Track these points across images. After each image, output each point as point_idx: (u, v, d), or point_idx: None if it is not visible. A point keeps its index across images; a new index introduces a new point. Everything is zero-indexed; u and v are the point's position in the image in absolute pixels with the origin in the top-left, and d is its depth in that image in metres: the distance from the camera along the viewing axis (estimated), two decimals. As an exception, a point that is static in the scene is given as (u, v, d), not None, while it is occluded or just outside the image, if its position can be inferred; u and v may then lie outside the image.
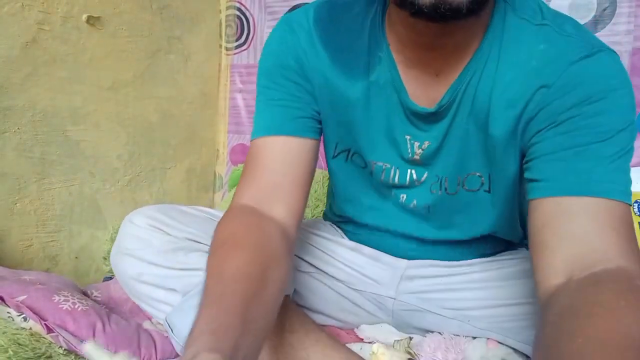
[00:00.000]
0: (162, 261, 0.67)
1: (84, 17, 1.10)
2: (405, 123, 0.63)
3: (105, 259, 1.18)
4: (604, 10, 1.15)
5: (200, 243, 0.69)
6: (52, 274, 0.94)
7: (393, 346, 0.70)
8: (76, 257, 1.13)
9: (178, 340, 0.64)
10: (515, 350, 0.67)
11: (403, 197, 0.69)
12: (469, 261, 0.75)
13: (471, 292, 0.72)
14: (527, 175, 0.56)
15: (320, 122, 0.67)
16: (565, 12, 1.18)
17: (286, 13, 0.66)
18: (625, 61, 1.14)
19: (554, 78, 0.54)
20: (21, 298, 0.67)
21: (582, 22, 1.17)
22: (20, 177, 1.00)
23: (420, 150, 0.64)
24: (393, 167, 0.67)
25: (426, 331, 0.75)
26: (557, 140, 0.53)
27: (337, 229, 0.85)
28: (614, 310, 0.41)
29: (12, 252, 0.99)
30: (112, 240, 1.18)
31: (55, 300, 0.69)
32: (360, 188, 0.73)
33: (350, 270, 0.79)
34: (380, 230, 0.76)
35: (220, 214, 0.77)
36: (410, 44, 0.58)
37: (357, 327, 0.82)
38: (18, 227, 1.00)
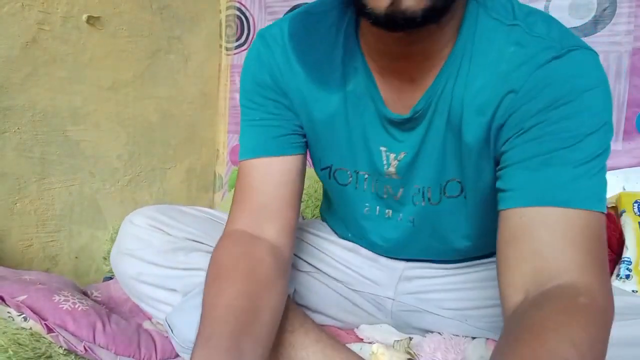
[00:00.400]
0: (162, 261, 0.67)
1: (84, 17, 1.09)
2: (381, 133, 0.62)
3: (105, 259, 1.18)
4: (604, 10, 1.15)
5: (201, 243, 0.69)
6: (52, 274, 0.94)
7: (393, 346, 0.70)
8: (76, 257, 1.13)
9: (178, 340, 0.64)
10: None
11: (389, 212, 0.69)
12: (467, 263, 0.75)
13: (469, 292, 0.72)
14: (497, 185, 0.54)
15: (304, 136, 0.66)
16: (565, 12, 1.18)
17: (261, 29, 0.65)
18: (625, 61, 1.14)
19: (522, 82, 0.52)
20: (21, 298, 0.67)
21: (582, 22, 1.17)
22: (20, 177, 1.00)
23: (395, 162, 0.62)
24: (373, 179, 0.66)
25: (426, 331, 0.75)
26: (525, 148, 0.51)
27: (332, 229, 0.86)
28: (539, 336, 0.41)
29: (12, 252, 0.99)
30: (112, 240, 1.18)
31: (56, 300, 0.69)
32: (344, 202, 0.73)
33: (349, 271, 0.79)
34: (369, 242, 0.76)
35: (220, 214, 0.77)
36: (381, 52, 0.57)
37: (357, 327, 0.82)
38: (18, 227, 1.00)
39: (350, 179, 0.67)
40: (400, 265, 0.77)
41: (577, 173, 0.49)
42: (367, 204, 0.69)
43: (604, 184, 0.50)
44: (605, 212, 0.50)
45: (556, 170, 0.49)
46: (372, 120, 0.61)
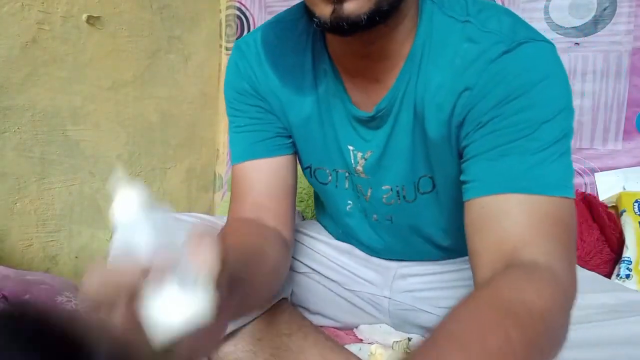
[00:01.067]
0: None
1: (84, 17, 1.10)
2: (349, 132, 0.63)
3: (105, 259, 1.18)
4: (604, 10, 1.15)
5: None
6: (54, 275, 0.94)
7: (392, 347, 0.70)
8: (76, 257, 1.13)
9: None
10: None
11: (365, 212, 0.71)
12: (459, 259, 0.75)
13: (464, 289, 0.73)
14: (461, 178, 0.55)
15: (289, 137, 0.68)
16: (565, 12, 1.18)
17: (237, 40, 0.69)
18: (625, 61, 1.14)
19: (475, 79, 0.53)
20: (24, 297, 0.68)
21: (582, 22, 1.17)
22: (20, 177, 1.00)
23: (362, 161, 0.63)
24: (351, 178, 0.67)
25: (425, 329, 0.75)
26: (483, 142, 0.52)
27: (326, 229, 0.87)
28: (493, 291, 0.42)
29: (12, 252, 0.99)
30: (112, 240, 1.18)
31: (58, 301, 0.69)
32: (327, 200, 0.75)
33: (344, 272, 0.79)
34: (358, 241, 0.77)
35: (216, 220, 0.77)
36: (346, 54, 0.58)
37: (356, 328, 0.82)
38: (18, 227, 1.00)
39: (330, 177, 0.69)
40: (394, 264, 0.78)
41: (536, 160, 0.49)
42: (349, 201, 0.71)
43: (567, 168, 0.51)
44: (573, 196, 0.50)
45: (515, 159, 0.50)
46: (342, 120, 0.63)
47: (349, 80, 0.60)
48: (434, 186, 0.63)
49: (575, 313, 0.55)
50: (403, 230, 0.70)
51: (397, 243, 0.72)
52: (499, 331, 0.37)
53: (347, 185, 0.68)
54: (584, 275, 0.65)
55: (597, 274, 0.68)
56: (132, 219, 0.34)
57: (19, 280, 0.74)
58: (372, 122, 0.61)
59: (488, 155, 0.52)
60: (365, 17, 0.47)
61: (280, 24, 0.65)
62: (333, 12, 0.47)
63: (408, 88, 0.57)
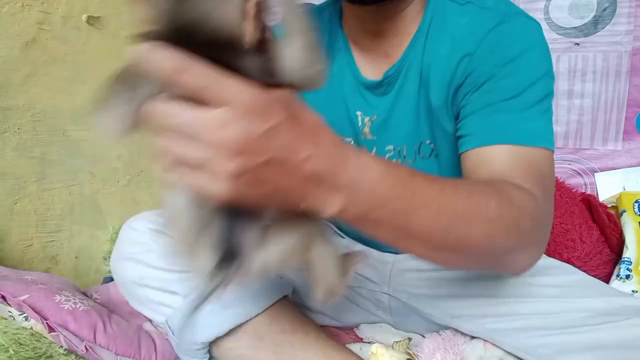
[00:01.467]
0: (163, 264, 0.67)
1: (84, 17, 1.10)
2: (358, 99, 0.71)
3: (105, 259, 1.18)
4: (604, 10, 1.15)
5: None
6: (54, 275, 0.94)
7: (392, 347, 0.70)
8: (76, 257, 1.13)
9: (179, 342, 0.64)
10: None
11: None
12: None
13: (460, 289, 0.73)
14: (457, 134, 0.64)
15: None
16: (565, 12, 1.19)
17: None
18: (625, 61, 1.14)
19: (475, 47, 0.62)
20: (23, 297, 0.68)
21: (582, 22, 1.17)
22: (20, 177, 1.00)
23: (369, 123, 0.72)
24: (356, 144, 0.74)
25: (427, 323, 0.76)
26: (478, 101, 0.61)
27: (332, 226, 0.88)
28: (474, 181, 0.55)
29: (12, 252, 0.99)
30: (112, 240, 1.18)
31: (57, 300, 0.69)
32: None
33: None
34: None
35: None
36: (360, 32, 0.69)
37: (357, 327, 0.82)
38: (18, 227, 1.00)
39: None
40: (390, 258, 0.79)
41: (522, 117, 0.59)
42: None
43: (548, 124, 0.61)
44: (553, 149, 0.59)
45: (504, 115, 0.59)
46: (351, 89, 0.72)
47: (359, 56, 0.71)
48: (433, 151, 0.70)
49: (565, 317, 0.56)
50: None
51: None
52: (484, 196, 0.46)
53: None
54: (576, 279, 0.67)
55: (590, 278, 0.69)
56: None
57: (18, 280, 0.74)
58: (379, 88, 0.70)
59: (482, 112, 0.60)
60: None
61: (315, 8, 0.77)
62: None
63: (415, 59, 0.67)
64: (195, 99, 0.32)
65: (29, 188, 1.02)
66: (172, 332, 0.65)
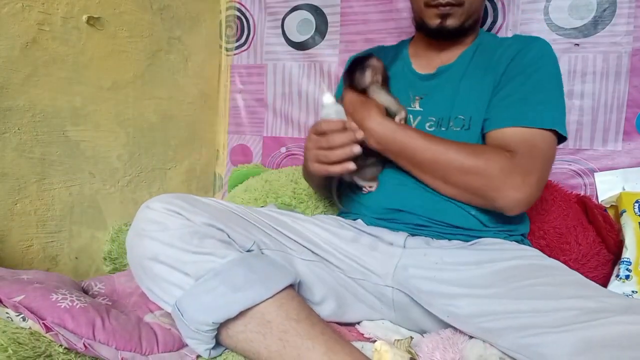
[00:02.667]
0: (178, 243, 0.67)
1: (84, 17, 1.10)
2: (411, 84, 0.98)
3: (105, 259, 1.18)
4: (604, 11, 1.15)
5: (216, 229, 0.70)
6: (50, 272, 0.93)
7: (394, 344, 0.70)
8: (76, 258, 1.13)
9: (189, 324, 0.64)
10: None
11: None
12: (459, 251, 0.80)
13: (459, 288, 0.74)
14: (484, 117, 0.88)
15: None
16: (565, 12, 1.19)
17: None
18: (625, 62, 1.14)
19: (515, 52, 0.90)
20: (19, 298, 0.67)
21: (582, 22, 1.18)
22: (20, 177, 1.00)
23: (418, 99, 0.96)
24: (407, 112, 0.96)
25: (429, 318, 0.77)
26: (505, 91, 0.87)
27: (340, 218, 0.92)
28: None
29: (12, 252, 0.99)
30: (112, 240, 1.18)
31: (54, 299, 0.69)
32: None
33: (348, 260, 0.82)
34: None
35: (234, 205, 0.80)
36: (423, 48, 1.03)
37: (359, 324, 0.82)
38: (18, 227, 1.00)
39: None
40: (398, 252, 0.82)
41: (539, 108, 0.83)
42: None
43: (555, 112, 0.84)
44: (559, 133, 0.83)
45: (523, 106, 0.83)
46: (406, 79, 1.00)
47: (415, 61, 1.03)
48: (463, 125, 0.90)
49: (557, 315, 0.57)
50: None
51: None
52: (462, 148, 0.81)
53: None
54: (568, 279, 0.68)
55: (583, 278, 0.70)
56: (331, 104, 0.85)
57: (14, 280, 0.73)
58: (431, 79, 0.97)
59: (506, 102, 0.85)
60: (455, 28, 0.93)
61: (381, 48, 1.12)
62: (439, 23, 0.93)
63: (462, 64, 0.95)
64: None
65: (29, 188, 1.02)
66: (182, 314, 0.65)
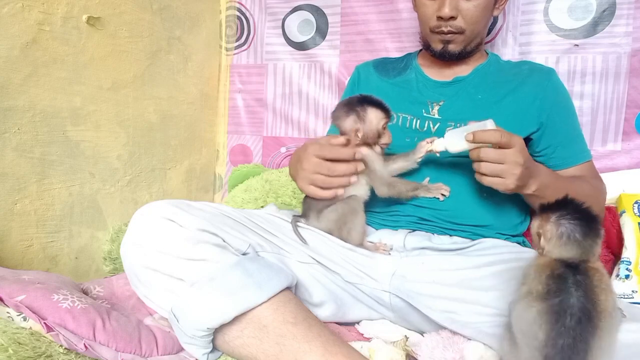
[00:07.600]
0: (171, 250, 0.68)
1: (84, 17, 1.10)
2: (427, 90, 1.03)
3: (105, 259, 1.18)
4: (603, 12, 1.15)
5: (210, 234, 0.70)
6: (51, 272, 0.94)
7: (392, 344, 0.70)
8: (76, 258, 1.13)
9: (184, 330, 0.64)
10: None
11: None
12: (458, 258, 0.79)
13: (458, 290, 0.74)
14: (537, 151, 0.99)
15: None
16: (564, 13, 1.19)
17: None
18: (624, 62, 1.14)
19: (553, 94, 0.99)
20: (20, 298, 0.67)
21: (581, 24, 1.18)
22: (21, 177, 1.00)
23: (437, 105, 1.01)
24: (415, 118, 1.00)
25: (428, 320, 0.77)
26: (556, 138, 0.98)
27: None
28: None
29: (12, 252, 0.99)
30: (112, 240, 1.18)
31: (55, 299, 0.69)
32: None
33: (346, 264, 0.82)
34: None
35: (228, 208, 0.79)
36: (432, 66, 1.08)
37: (358, 324, 0.82)
38: (18, 227, 1.00)
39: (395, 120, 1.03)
40: (396, 258, 0.83)
41: (580, 147, 0.98)
42: (406, 139, 1.00)
43: (585, 143, 1.00)
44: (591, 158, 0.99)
45: (570, 149, 0.98)
46: (420, 92, 1.04)
47: (430, 72, 1.07)
48: None
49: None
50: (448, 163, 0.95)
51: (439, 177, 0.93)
52: (581, 183, 0.92)
53: (407, 125, 1.01)
54: None
55: None
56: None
57: (15, 280, 0.73)
58: (447, 87, 1.03)
59: (563, 143, 0.97)
60: (458, 52, 1.00)
61: (386, 59, 1.18)
62: (442, 48, 1.00)
63: (478, 76, 1.03)
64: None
65: (29, 188, 1.02)
66: (177, 320, 0.65)
